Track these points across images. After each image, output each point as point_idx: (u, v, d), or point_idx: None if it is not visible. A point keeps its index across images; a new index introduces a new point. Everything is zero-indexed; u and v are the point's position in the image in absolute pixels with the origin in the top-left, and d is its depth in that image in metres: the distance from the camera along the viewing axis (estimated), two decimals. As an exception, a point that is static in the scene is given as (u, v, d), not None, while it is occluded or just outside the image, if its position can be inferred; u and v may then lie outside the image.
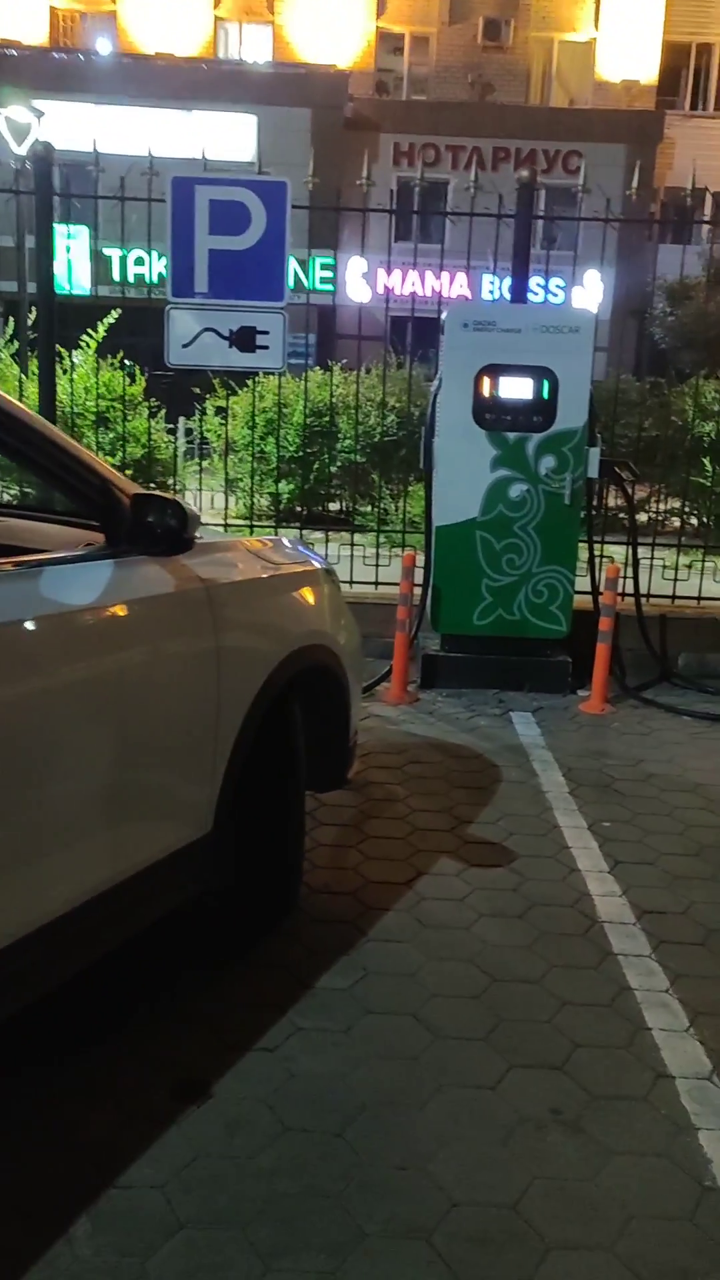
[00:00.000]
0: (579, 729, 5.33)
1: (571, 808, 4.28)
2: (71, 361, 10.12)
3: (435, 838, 3.91)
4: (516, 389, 5.61)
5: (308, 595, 3.25)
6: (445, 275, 24.44)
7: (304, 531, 7.06)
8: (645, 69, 26.79)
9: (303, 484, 11.36)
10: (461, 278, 23.55)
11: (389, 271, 25.73)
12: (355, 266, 22.65)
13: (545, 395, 5.60)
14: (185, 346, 6.25)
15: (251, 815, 2.93)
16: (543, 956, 3.11)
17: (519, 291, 6.20)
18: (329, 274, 22.51)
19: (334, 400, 11.27)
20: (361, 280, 23.23)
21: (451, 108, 25.68)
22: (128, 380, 9.81)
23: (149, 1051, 2.57)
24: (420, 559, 5.96)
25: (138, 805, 2.41)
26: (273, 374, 6.71)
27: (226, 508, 7.31)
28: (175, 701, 2.51)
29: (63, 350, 10.57)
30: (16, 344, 10.58)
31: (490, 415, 5.63)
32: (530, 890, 3.53)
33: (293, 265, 22.80)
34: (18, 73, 22.71)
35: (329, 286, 22.36)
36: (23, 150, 11.98)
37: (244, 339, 6.25)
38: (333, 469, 11.40)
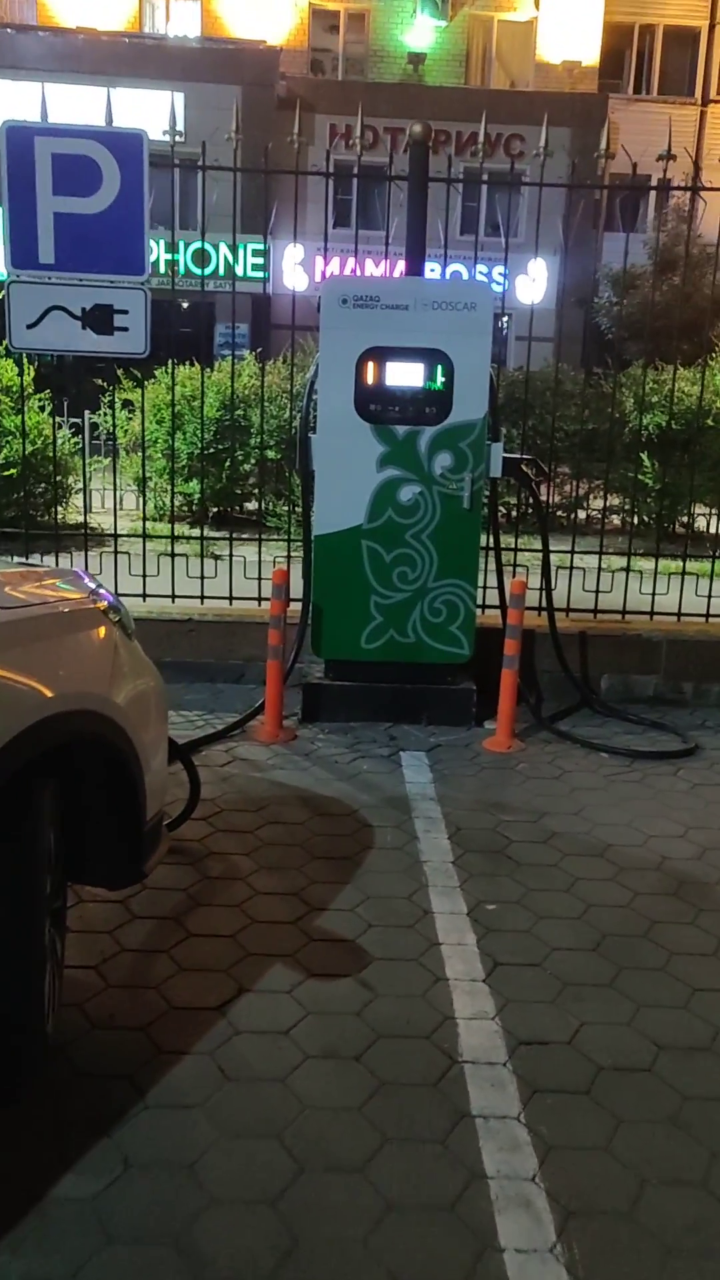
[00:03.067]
0: (478, 772, 4.57)
1: (452, 884, 3.52)
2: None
3: (274, 935, 3.14)
4: (405, 375, 4.84)
5: (68, 647, 2.45)
6: (385, 263, 23.65)
7: (205, 536, 6.19)
8: (587, 50, 26.08)
9: (214, 483, 10.55)
10: (402, 266, 22.81)
11: (326, 258, 24.85)
12: (291, 254, 21.77)
13: (439, 383, 4.84)
14: (30, 327, 5.41)
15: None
16: (375, 1124, 2.35)
17: (414, 265, 5.42)
18: (260, 260, 21.60)
19: (245, 392, 10.47)
20: (299, 268, 22.27)
21: (388, 89, 24.83)
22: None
23: None
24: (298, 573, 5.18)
25: None
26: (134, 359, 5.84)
27: (116, 509, 6.43)
28: None
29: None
30: None
31: (375, 406, 4.85)
32: (378, 1013, 2.76)
33: (222, 251, 21.84)
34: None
35: (261, 274, 21.46)
36: None
37: (99, 319, 5.42)
38: (245, 466, 10.60)
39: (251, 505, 10.97)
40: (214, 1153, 2.23)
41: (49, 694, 2.28)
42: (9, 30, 23.83)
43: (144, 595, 5.75)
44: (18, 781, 2.18)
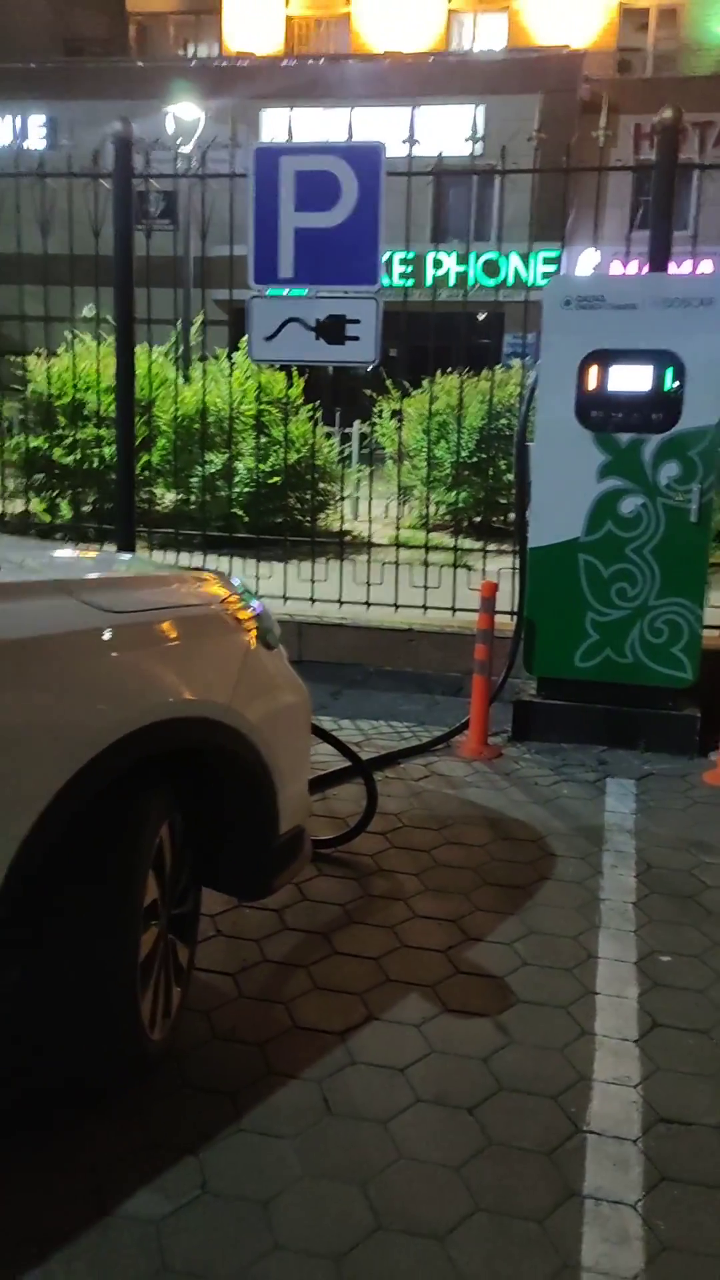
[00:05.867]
0: (688, 807, 4.20)
1: (627, 928, 3.22)
2: (235, 364, 9.70)
3: (420, 961, 3.00)
4: (631, 379, 4.54)
5: (185, 653, 2.43)
6: (687, 264, 22.53)
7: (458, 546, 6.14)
8: None
9: (476, 492, 10.47)
10: (707, 266, 21.69)
11: (624, 260, 24.00)
12: (586, 259, 21.29)
13: (667, 386, 4.50)
14: (268, 339, 5.56)
15: (64, 954, 2.16)
16: (471, 1189, 2.16)
17: (658, 261, 5.08)
18: (553, 268, 21.26)
19: (510, 401, 10.31)
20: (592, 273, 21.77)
21: (699, 82, 23.77)
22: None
23: None
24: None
25: None
26: (371, 367, 5.87)
27: (370, 518, 6.50)
28: None
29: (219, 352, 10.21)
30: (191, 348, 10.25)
31: (597, 412, 4.58)
32: (507, 1063, 2.56)
33: (514, 261, 21.83)
34: (250, 83, 22.98)
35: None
36: (188, 149, 11.70)
37: (331, 330, 5.47)
38: (509, 476, 10.44)
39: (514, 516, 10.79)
40: (293, 1192, 2.13)
41: (161, 699, 2.27)
42: (320, 61, 24.90)
43: (368, 604, 5.75)
44: (119, 785, 2.18)
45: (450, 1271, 1.96)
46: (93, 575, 2.52)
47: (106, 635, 2.20)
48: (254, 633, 2.67)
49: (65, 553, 3.33)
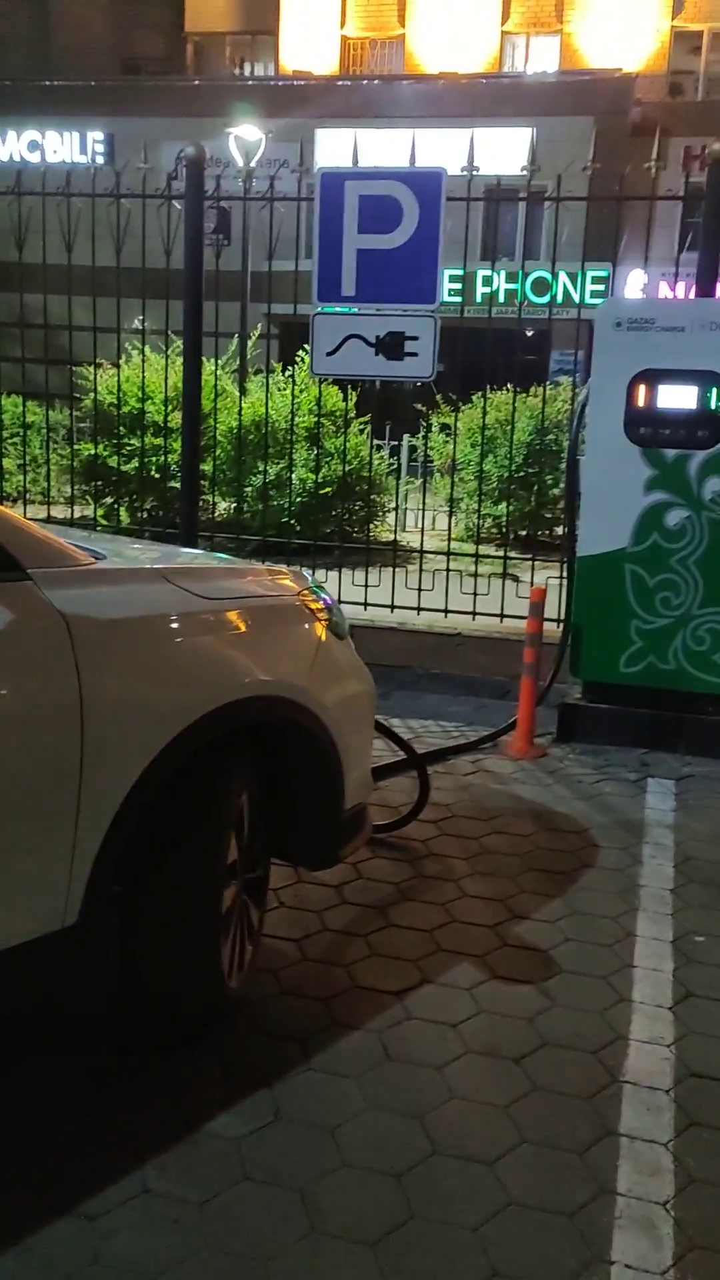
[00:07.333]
0: (726, 807, 4.40)
1: (664, 911, 3.43)
2: (292, 378, 10.00)
3: (470, 935, 3.22)
4: (678, 397, 4.75)
5: (269, 638, 2.70)
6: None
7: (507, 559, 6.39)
8: None
9: (522, 505, 10.67)
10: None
11: (672, 284, 23.95)
12: (634, 279, 21.43)
13: (713, 405, 4.71)
14: (329, 355, 5.84)
15: (156, 903, 2.43)
16: (516, 1125, 2.39)
17: (705, 288, 5.30)
18: (601, 287, 21.47)
19: (559, 416, 10.54)
20: (640, 294, 21.90)
21: (750, 104, 23.92)
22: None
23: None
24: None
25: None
26: (423, 382, 6.12)
27: (422, 529, 6.77)
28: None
29: (276, 366, 10.50)
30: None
31: (646, 429, 4.81)
32: (550, 1023, 2.78)
33: (562, 279, 22.01)
34: (305, 103, 23.43)
35: (600, 301, 21.30)
36: (251, 164, 12.04)
37: (390, 346, 5.75)
38: (555, 491, 10.65)
39: (561, 530, 11.00)
40: (357, 1121, 2.37)
41: (242, 678, 2.53)
42: (375, 82, 25.33)
43: (419, 609, 6.00)
44: (207, 754, 2.43)
45: (499, 1190, 2.18)
46: (184, 564, 2.79)
47: (200, 618, 2.46)
48: (326, 623, 2.93)
49: (152, 546, 3.61)
